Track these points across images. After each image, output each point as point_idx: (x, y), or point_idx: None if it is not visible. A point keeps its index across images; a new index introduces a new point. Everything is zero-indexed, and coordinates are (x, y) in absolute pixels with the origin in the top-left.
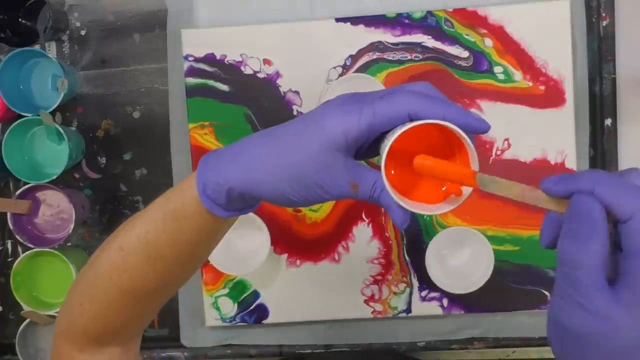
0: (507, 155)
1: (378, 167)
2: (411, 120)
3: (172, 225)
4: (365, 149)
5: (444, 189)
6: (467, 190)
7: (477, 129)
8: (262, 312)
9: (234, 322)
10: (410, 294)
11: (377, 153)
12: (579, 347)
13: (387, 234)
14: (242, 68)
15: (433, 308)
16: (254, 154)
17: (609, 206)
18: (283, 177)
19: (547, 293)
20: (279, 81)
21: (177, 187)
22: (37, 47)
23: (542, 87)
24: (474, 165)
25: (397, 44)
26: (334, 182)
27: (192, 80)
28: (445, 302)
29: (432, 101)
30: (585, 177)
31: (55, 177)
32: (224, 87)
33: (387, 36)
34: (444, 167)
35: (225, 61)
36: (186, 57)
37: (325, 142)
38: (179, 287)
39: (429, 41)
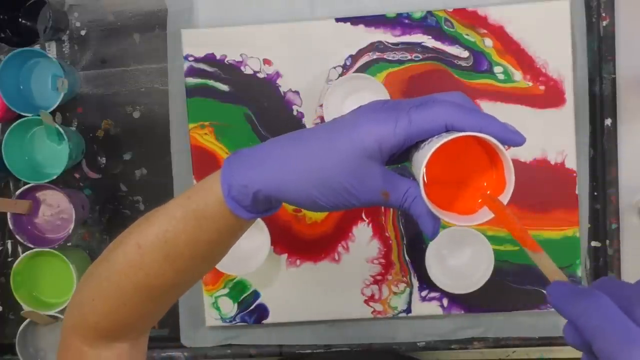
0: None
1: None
2: (447, 130)
3: (193, 225)
4: (397, 156)
5: (479, 200)
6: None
7: (514, 142)
8: (262, 312)
9: (234, 322)
10: (410, 294)
11: (406, 160)
12: None
13: (387, 234)
14: (242, 68)
15: (433, 308)
16: (282, 157)
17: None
18: (313, 182)
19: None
20: (279, 81)
21: (198, 187)
22: (37, 47)
23: (542, 87)
24: (510, 176)
25: (397, 44)
26: (365, 189)
27: (192, 80)
28: (445, 302)
29: (468, 112)
30: (578, 305)
31: (55, 177)
32: (224, 87)
33: (387, 36)
34: (510, 221)
35: (225, 61)
36: (186, 57)
37: (359, 150)
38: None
39: (429, 41)
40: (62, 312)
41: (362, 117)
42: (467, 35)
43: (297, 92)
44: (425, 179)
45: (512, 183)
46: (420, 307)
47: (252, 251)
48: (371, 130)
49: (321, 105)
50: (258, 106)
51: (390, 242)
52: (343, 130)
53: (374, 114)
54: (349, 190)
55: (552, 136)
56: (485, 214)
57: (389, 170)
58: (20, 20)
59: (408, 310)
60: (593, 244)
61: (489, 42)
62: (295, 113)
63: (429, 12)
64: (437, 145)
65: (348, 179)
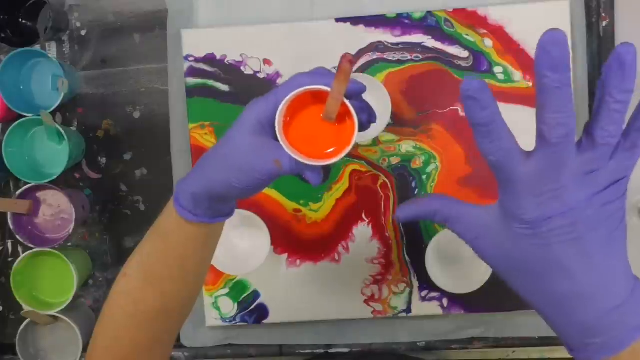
0: None
1: None
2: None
3: (161, 241)
4: None
5: (330, 150)
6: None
7: (355, 90)
8: (262, 312)
9: (234, 322)
10: (410, 293)
11: None
12: None
13: (387, 234)
14: (242, 68)
15: (433, 308)
16: (207, 157)
17: None
18: (224, 168)
19: None
20: (279, 81)
21: (164, 209)
22: (37, 47)
23: None
24: (355, 123)
25: (397, 44)
26: (260, 161)
27: (192, 80)
28: (445, 302)
29: (319, 76)
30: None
31: (55, 177)
32: (224, 87)
33: (387, 36)
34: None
35: (225, 61)
36: (186, 57)
37: (245, 128)
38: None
39: (429, 41)
40: (62, 312)
41: (249, 105)
42: (467, 35)
43: None
44: (294, 137)
45: (357, 128)
46: (420, 307)
47: (252, 251)
48: (251, 110)
49: None
50: None
51: (390, 242)
52: (236, 121)
53: (256, 100)
54: (250, 166)
55: None
56: (335, 156)
57: (277, 142)
58: (20, 20)
59: (408, 310)
60: None
61: (488, 42)
62: None
63: (429, 12)
64: (289, 96)
65: (246, 156)
